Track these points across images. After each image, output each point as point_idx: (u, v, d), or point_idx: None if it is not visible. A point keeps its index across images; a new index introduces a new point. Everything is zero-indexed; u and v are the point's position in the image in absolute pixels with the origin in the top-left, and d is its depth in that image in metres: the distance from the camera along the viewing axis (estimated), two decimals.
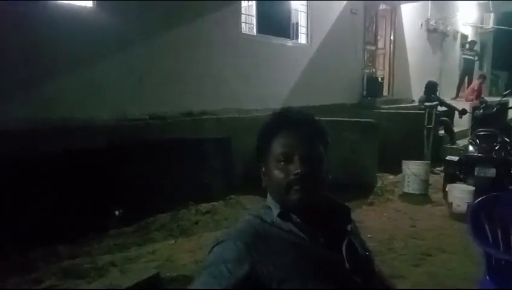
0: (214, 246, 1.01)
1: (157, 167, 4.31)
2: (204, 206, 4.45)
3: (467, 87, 11.13)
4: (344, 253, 1.03)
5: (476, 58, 12.28)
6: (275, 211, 1.05)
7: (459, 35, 12.98)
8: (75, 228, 3.51)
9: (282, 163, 1.02)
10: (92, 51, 4.11)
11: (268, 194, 1.11)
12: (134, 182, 4.09)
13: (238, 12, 5.88)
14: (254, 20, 6.24)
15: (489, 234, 2.09)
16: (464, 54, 12.75)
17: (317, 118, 1.12)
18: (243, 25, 6.06)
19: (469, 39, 13.94)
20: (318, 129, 1.10)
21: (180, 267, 3.11)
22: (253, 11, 6.25)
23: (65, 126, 3.80)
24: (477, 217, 2.14)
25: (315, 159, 1.04)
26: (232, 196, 4.82)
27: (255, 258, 0.93)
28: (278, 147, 1.04)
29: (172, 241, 3.71)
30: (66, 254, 3.31)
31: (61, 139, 3.71)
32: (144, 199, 4.12)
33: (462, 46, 13.47)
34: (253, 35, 6.21)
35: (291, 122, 1.07)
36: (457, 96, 11.00)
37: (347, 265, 1.02)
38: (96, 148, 3.89)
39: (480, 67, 13.35)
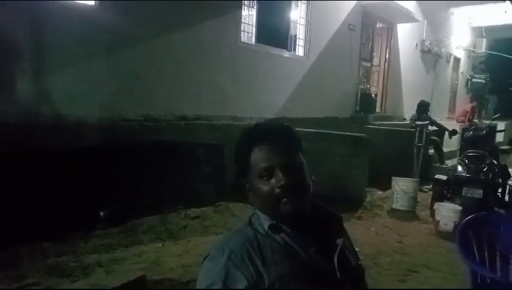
0: (206, 258, 1.00)
1: (148, 168, 4.29)
2: (193, 211, 4.44)
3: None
4: (336, 263, 1.04)
5: (488, 79, 12.47)
6: (265, 223, 1.04)
7: (452, 58, 13.24)
8: (61, 226, 3.47)
9: (265, 178, 1.02)
10: (90, 49, 4.09)
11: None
12: (123, 182, 4.06)
13: (238, 20, 5.93)
14: (253, 30, 6.30)
15: (476, 253, 2.13)
16: (473, 77, 12.93)
17: (286, 124, 1.13)
18: (242, 33, 6.11)
19: (461, 62, 14.24)
20: (292, 137, 1.10)
21: (166, 270, 3.09)
22: (253, 21, 6.31)
23: (58, 122, 3.77)
24: (465, 236, 2.18)
25: (296, 167, 1.04)
26: (222, 203, 4.81)
27: (250, 271, 0.94)
28: (256, 162, 1.04)
29: (160, 245, 3.68)
30: (51, 251, 3.27)
31: (54, 135, 3.67)
32: (133, 200, 4.09)
33: (473, 68, 13.63)
34: (252, 44, 6.25)
35: (264, 135, 1.07)
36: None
37: (338, 275, 1.02)
38: (88, 146, 3.86)
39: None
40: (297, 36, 7.20)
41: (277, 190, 1.00)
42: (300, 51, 7.26)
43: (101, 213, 3.98)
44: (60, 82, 3.88)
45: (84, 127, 3.96)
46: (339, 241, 1.09)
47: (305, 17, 7.20)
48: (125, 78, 4.47)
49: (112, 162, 4.03)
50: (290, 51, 7.04)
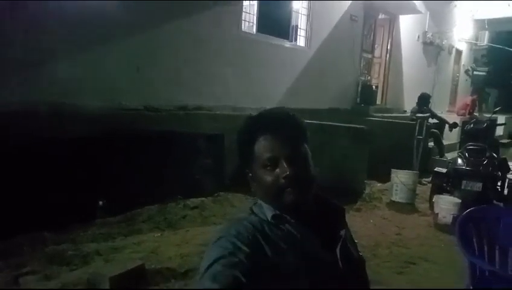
0: (215, 242, 0.98)
1: (147, 158, 4.29)
2: (192, 201, 4.43)
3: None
4: (338, 254, 1.04)
5: (488, 72, 12.43)
6: (268, 213, 1.03)
7: (454, 50, 13.17)
8: (61, 215, 3.46)
9: (269, 168, 1.00)
10: (90, 39, 4.07)
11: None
12: (123, 172, 4.05)
13: (239, 10, 5.88)
14: (254, 19, 6.24)
15: (475, 246, 2.13)
16: (474, 69, 12.89)
17: (291, 113, 1.09)
18: (243, 23, 6.06)
19: (463, 54, 14.18)
20: (297, 126, 1.07)
21: (165, 260, 3.09)
22: (254, 10, 6.25)
23: (58, 112, 3.75)
24: (465, 229, 2.18)
25: (301, 158, 1.02)
26: (221, 193, 4.81)
27: (255, 251, 0.93)
28: (261, 152, 1.02)
29: (159, 234, 3.69)
30: (50, 240, 3.27)
31: (53, 124, 3.66)
32: (132, 190, 4.08)
33: (475, 61, 13.58)
34: (253, 34, 6.21)
35: (269, 124, 1.04)
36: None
37: (341, 266, 1.02)
38: (88, 135, 3.84)
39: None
40: (299, 26, 7.14)
41: (281, 181, 0.98)
42: (301, 42, 7.21)
43: (101, 202, 3.97)
44: (60, 72, 3.86)
45: (84, 116, 3.94)
46: (342, 232, 1.08)
47: (306, 7, 7.13)
48: (125, 67, 4.44)
49: (112, 152, 4.02)
50: (292, 41, 6.99)
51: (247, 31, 6.17)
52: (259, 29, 6.26)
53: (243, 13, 6.03)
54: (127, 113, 4.36)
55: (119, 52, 4.35)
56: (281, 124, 1.05)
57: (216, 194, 4.77)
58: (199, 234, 3.65)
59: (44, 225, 3.31)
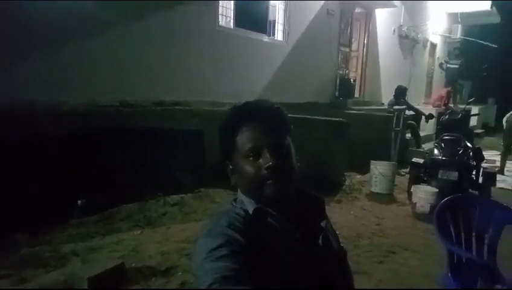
0: (206, 233, 0.95)
1: (125, 156, 4.19)
2: (172, 198, 4.38)
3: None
4: (320, 245, 1.03)
5: (461, 66, 12.73)
6: (250, 207, 1.01)
7: (428, 43, 13.42)
8: (36, 216, 3.35)
9: (251, 158, 0.98)
10: (64, 34, 3.95)
11: (239, 191, 1.06)
12: (100, 170, 3.96)
13: (215, 4, 5.81)
14: (232, 14, 6.19)
15: (453, 234, 2.17)
16: (448, 62, 13.18)
17: (277, 105, 1.07)
18: (220, 17, 5.99)
19: (438, 48, 14.46)
20: (281, 118, 1.05)
21: (145, 258, 3.04)
22: (231, 5, 6.20)
23: (31, 109, 3.62)
24: (442, 217, 2.22)
25: (284, 149, 1.01)
26: (202, 189, 4.77)
27: (248, 242, 0.91)
28: (243, 142, 0.99)
29: (139, 232, 3.63)
30: (25, 242, 3.16)
31: (26, 122, 3.53)
32: (110, 188, 3.99)
33: (448, 54, 13.87)
34: (230, 29, 6.15)
35: (253, 114, 1.02)
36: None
37: (323, 258, 1.02)
38: (63, 133, 3.73)
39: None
40: (277, 21, 7.12)
41: (264, 171, 0.96)
42: (279, 36, 7.19)
43: (78, 202, 3.87)
44: (33, 68, 3.73)
45: (58, 113, 3.82)
46: (323, 223, 1.07)
47: (283, 2, 7.12)
48: (99, 63, 4.32)
49: (88, 149, 3.92)
50: (269, 35, 6.97)
51: (225, 25, 6.11)
52: (236, 24, 6.21)
53: (220, 8, 5.97)
54: (102, 110, 4.25)
55: (92, 48, 4.23)
56: (265, 114, 1.02)
57: (197, 190, 4.73)
58: (180, 231, 3.61)
59: (18, 226, 3.20)
